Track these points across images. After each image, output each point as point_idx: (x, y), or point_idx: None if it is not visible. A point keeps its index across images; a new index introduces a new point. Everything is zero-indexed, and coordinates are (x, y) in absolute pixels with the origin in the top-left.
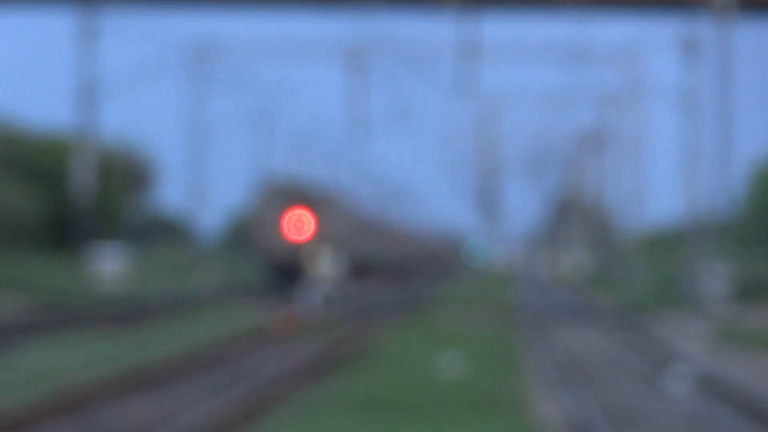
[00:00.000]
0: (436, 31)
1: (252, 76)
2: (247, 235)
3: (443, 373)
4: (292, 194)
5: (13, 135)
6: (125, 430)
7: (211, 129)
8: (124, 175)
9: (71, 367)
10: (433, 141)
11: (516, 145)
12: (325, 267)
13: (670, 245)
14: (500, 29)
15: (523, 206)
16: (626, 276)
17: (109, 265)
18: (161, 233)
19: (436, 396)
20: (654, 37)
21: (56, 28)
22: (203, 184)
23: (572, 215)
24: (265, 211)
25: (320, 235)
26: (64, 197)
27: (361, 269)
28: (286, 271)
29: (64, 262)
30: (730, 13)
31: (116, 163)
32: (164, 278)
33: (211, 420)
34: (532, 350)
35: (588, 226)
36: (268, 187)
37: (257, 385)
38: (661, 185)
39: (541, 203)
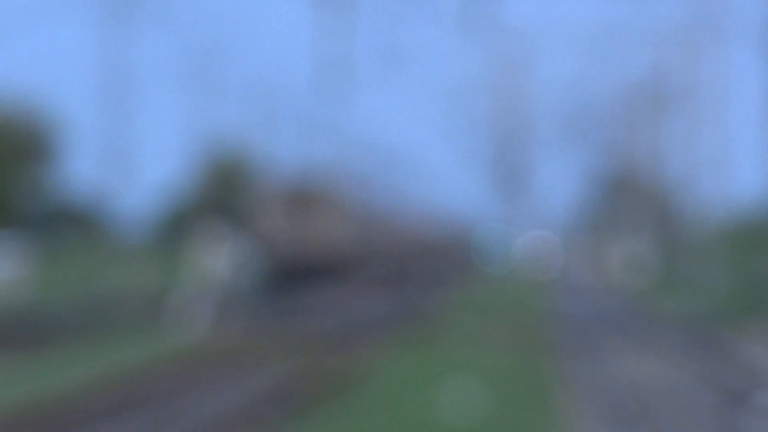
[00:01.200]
0: None
1: (190, 9)
2: (188, 224)
3: (452, 416)
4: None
5: None
6: None
7: (136, 81)
8: (18, 144)
9: None
10: (437, 94)
11: (548, 101)
12: (219, 265)
13: (757, 236)
14: None
15: (557, 182)
16: (699, 276)
17: None
18: (69, 222)
19: None
20: None
21: None
22: (125, 155)
23: (624, 194)
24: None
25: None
26: None
27: (336, 269)
28: (291, 272)
29: None
30: None
31: (6, 128)
32: (74, 283)
33: None
34: (570, 384)
35: (646, 209)
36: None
37: None
38: (744, 156)
39: (581, 178)
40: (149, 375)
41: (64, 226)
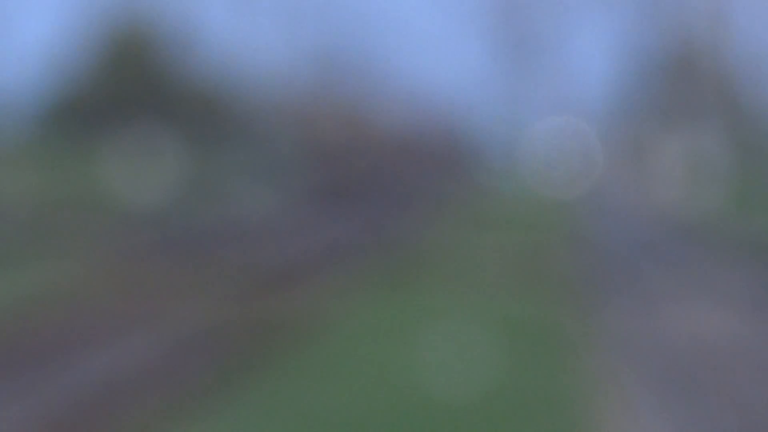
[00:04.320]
0: None
1: None
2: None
3: (440, 387)
4: None
5: None
6: None
7: None
8: None
9: None
10: None
11: None
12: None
13: None
14: None
15: (585, 55)
16: None
17: None
18: None
19: None
20: None
21: None
22: None
23: (680, 73)
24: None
25: None
26: None
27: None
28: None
29: None
30: None
31: None
32: None
33: None
34: (603, 343)
35: (710, 94)
36: None
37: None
38: None
39: (619, 49)
40: (21, 321)
41: None
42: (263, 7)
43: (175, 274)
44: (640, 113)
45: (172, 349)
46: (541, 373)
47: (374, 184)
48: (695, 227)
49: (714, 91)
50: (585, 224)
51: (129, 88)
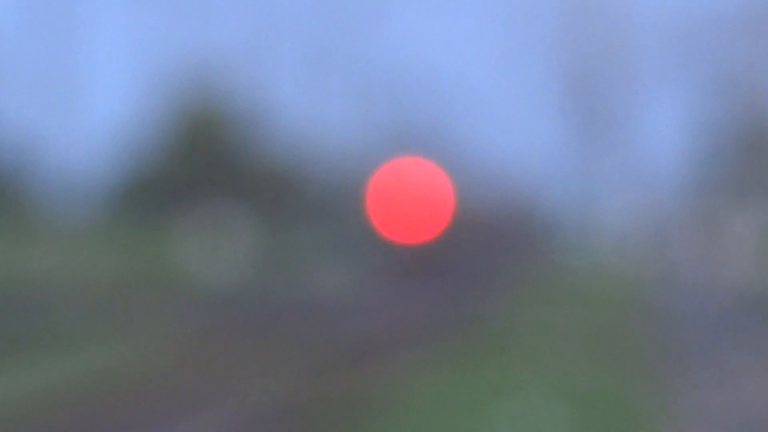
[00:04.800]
0: None
1: None
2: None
3: None
4: None
5: None
6: None
7: None
8: None
9: None
10: (489, 10)
11: (648, 18)
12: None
13: None
14: None
15: (657, 132)
16: None
17: None
18: None
19: None
20: None
21: None
22: (61, 92)
23: (753, 150)
24: None
25: None
26: None
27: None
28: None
29: None
30: None
31: None
32: None
33: None
34: (678, 416)
35: None
36: None
37: None
38: None
39: (691, 126)
40: (96, 399)
41: None
42: (335, 84)
43: (249, 352)
44: (712, 189)
45: (247, 426)
46: None
47: (451, 262)
48: (765, 299)
49: None
50: (658, 300)
51: (201, 166)
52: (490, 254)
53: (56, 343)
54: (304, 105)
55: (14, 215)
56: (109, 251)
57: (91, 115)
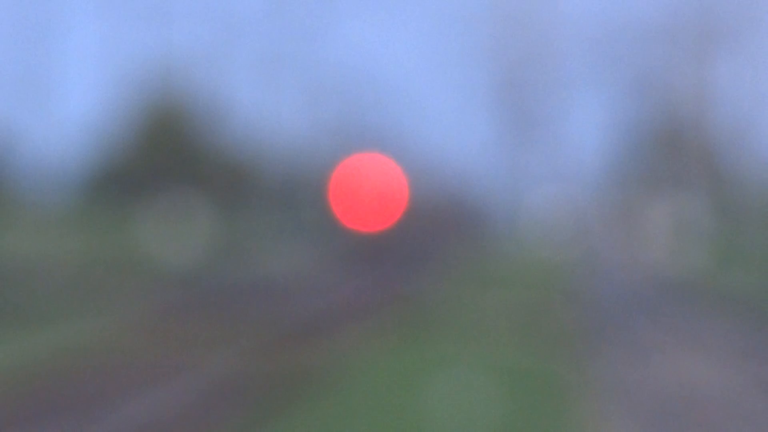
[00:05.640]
0: None
1: None
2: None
3: (445, 426)
4: None
5: None
6: None
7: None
8: None
9: None
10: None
11: (571, 26)
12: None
13: None
14: None
15: (579, 129)
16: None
17: None
18: None
19: None
20: None
21: None
22: (38, 90)
23: (666, 146)
24: None
25: None
26: None
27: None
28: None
29: None
30: None
31: None
32: None
33: None
34: (599, 391)
35: (693, 164)
36: None
37: None
38: None
39: (611, 124)
40: (63, 371)
41: None
42: (288, 82)
43: (206, 329)
44: (630, 181)
45: (202, 397)
46: (539, 417)
47: (398, 248)
48: (681, 285)
49: (697, 161)
50: (580, 282)
51: (164, 158)
52: (432, 242)
53: (28, 320)
54: (259, 102)
55: None
56: (80, 236)
57: (63, 111)
